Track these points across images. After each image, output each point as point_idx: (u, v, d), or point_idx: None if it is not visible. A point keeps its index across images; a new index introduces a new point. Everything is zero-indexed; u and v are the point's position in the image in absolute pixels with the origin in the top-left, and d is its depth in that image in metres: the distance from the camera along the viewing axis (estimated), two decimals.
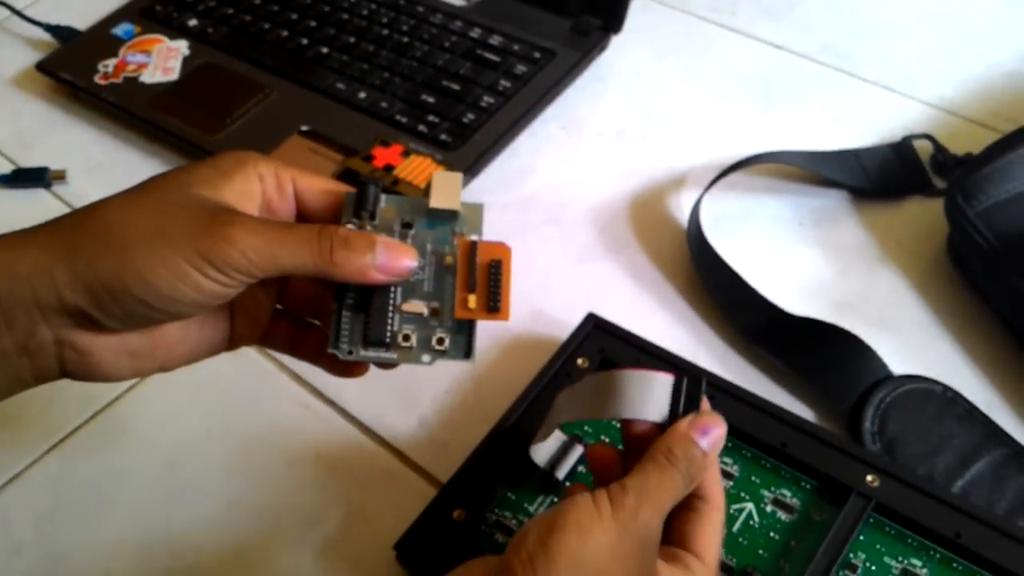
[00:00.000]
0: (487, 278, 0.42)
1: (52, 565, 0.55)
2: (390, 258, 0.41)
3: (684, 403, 0.42)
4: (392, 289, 0.43)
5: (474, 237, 0.44)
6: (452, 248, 0.43)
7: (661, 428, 0.42)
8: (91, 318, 0.39)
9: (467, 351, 0.43)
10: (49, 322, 0.39)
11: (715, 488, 0.43)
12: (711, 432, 0.41)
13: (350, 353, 0.43)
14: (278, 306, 0.48)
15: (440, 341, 0.43)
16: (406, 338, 0.43)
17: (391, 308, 0.43)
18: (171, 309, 0.40)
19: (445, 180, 0.44)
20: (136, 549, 0.55)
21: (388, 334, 0.43)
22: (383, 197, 0.44)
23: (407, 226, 0.44)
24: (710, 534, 0.42)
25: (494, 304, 0.42)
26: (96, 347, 0.41)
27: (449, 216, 0.44)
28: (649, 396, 0.42)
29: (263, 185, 0.43)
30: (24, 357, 0.40)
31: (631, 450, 0.43)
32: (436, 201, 0.43)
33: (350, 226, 0.43)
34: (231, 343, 0.46)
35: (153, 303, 0.39)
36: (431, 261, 0.44)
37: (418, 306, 0.43)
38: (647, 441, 0.42)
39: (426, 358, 0.43)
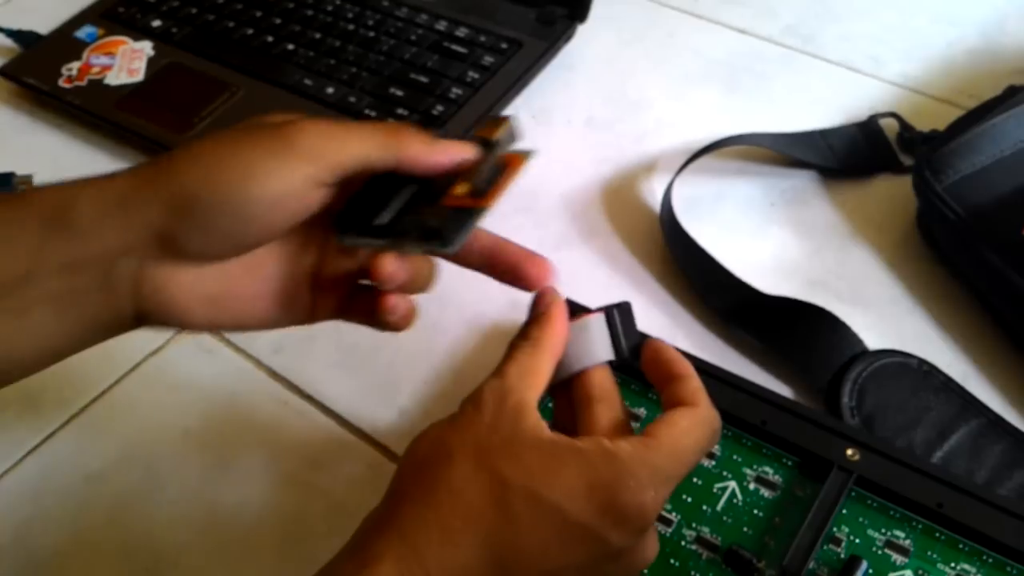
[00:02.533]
0: (486, 171, 0.42)
1: (33, 570, 0.54)
2: (452, 143, 0.42)
3: (623, 332, 0.43)
4: (409, 188, 0.43)
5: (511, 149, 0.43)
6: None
7: (612, 365, 0.43)
8: (172, 238, 0.39)
9: (446, 240, 0.40)
10: (131, 252, 0.39)
11: (699, 396, 0.42)
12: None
13: (347, 238, 0.43)
14: (363, 281, 0.47)
15: (426, 228, 0.41)
16: (400, 226, 0.42)
17: (399, 202, 0.42)
18: (249, 210, 0.39)
19: (495, 120, 0.43)
20: (117, 551, 0.55)
21: (383, 221, 0.42)
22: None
23: None
24: (671, 424, 0.40)
25: (480, 190, 0.41)
26: (173, 283, 0.41)
27: (491, 150, 0.43)
28: (589, 340, 0.43)
29: None
30: (103, 293, 0.40)
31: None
32: (479, 132, 0.43)
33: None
34: (313, 315, 0.46)
35: (231, 202, 0.39)
36: None
37: (429, 209, 0.42)
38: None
39: (409, 246, 0.42)
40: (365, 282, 0.47)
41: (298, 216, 0.41)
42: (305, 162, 0.39)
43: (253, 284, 0.44)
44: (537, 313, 0.43)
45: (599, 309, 0.44)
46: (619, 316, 0.44)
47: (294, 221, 0.41)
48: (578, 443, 0.38)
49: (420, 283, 0.45)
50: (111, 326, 0.42)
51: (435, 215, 0.41)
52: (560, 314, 0.43)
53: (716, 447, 0.53)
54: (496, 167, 0.42)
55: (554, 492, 0.37)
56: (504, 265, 0.44)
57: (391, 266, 0.42)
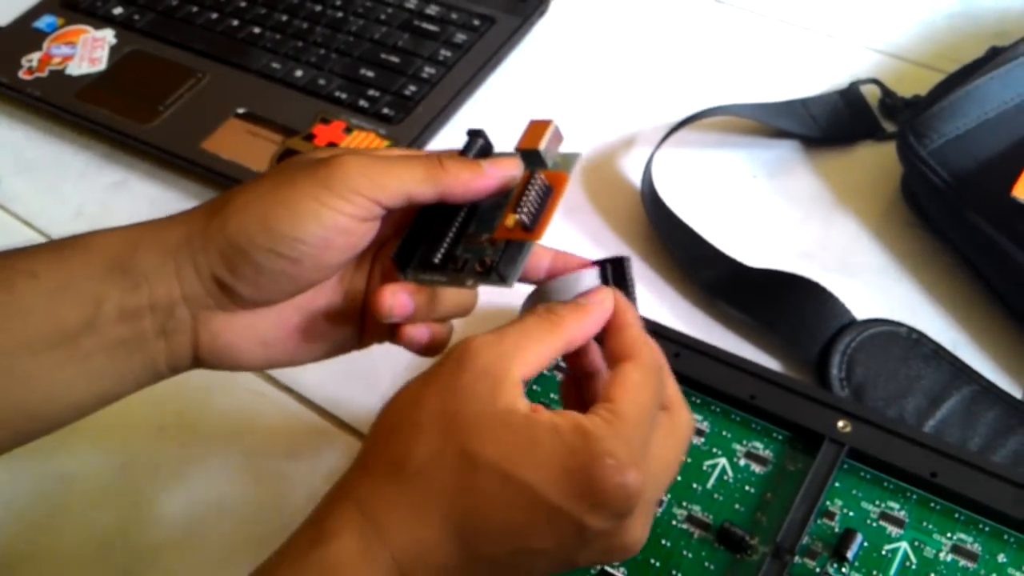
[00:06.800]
0: (533, 201, 0.41)
1: (7, 573, 0.53)
2: (496, 165, 0.42)
3: (615, 288, 0.42)
4: (461, 216, 0.43)
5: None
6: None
7: None
8: (225, 287, 0.40)
9: (503, 276, 0.40)
10: (188, 301, 0.41)
11: (633, 344, 0.40)
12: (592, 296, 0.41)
13: (405, 275, 0.43)
14: None
15: (482, 264, 0.41)
16: (456, 261, 0.42)
17: (452, 234, 0.42)
18: (295, 252, 0.40)
19: (535, 125, 0.43)
20: (93, 553, 0.54)
21: (439, 257, 0.42)
22: (493, 152, 0.44)
23: None
24: (622, 380, 0.38)
25: (530, 223, 0.41)
26: (228, 329, 0.42)
27: (535, 159, 0.43)
28: (578, 294, 0.42)
29: None
30: (161, 340, 0.41)
31: (579, 376, 0.44)
32: (522, 143, 0.43)
33: None
34: (362, 340, 0.46)
35: (278, 248, 0.39)
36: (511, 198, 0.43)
37: (483, 237, 0.42)
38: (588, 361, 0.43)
39: (469, 281, 0.41)
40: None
41: (346, 253, 0.41)
42: (346, 201, 0.39)
43: (305, 322, 0.44)
44: (580, 302, 0.41)
45: (595, 263, 0.43)
46: (612, 272, 0.43)
47: (342, 259, 0.41)
48: (555, 419, 0.36)
49: (458, 310, 0.46)
50: (166, 371, 0.43)
51: (489, 249, 0.41)
52: (600, 316, 0.41)
53: (705, 423, 0.52)
54: (542, 189, 0.42)
55: (526, 473, 0.35)
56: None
57: (389, 300, 0.41)
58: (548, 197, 0.41)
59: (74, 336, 0.39)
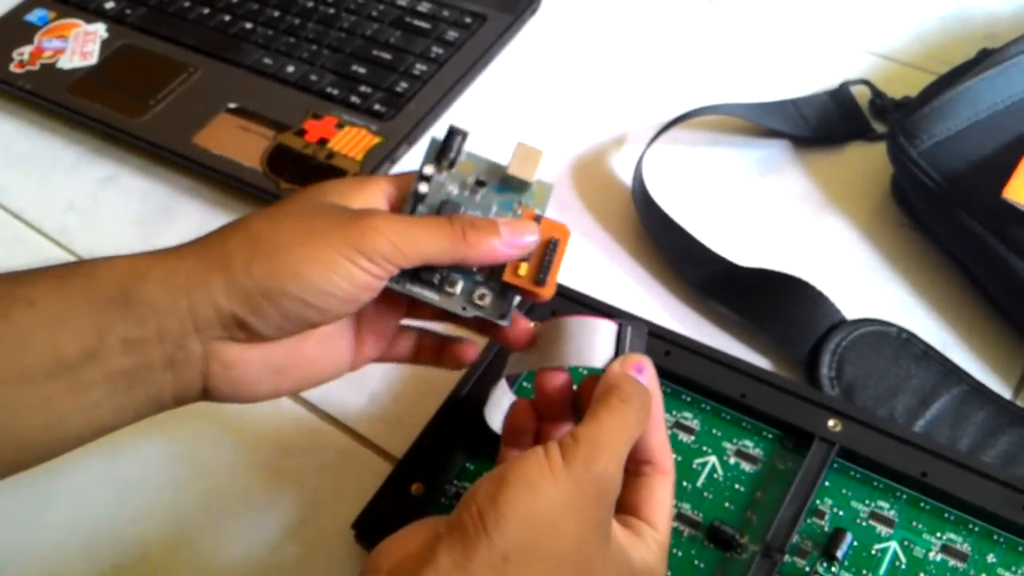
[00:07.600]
0: (542, 253, 0.44)
1: None
2: (513, 235, 0.43)
3: (629, 349, 0.43)
4: None
5: (538, 212, 0.45)
6: (516, 217, 0.45)
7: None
8: (245, 325, 0.40)
9: (503, 313, 0.44)
10: (201, 333, 0.40)
11: (663, 451, 0.42)
12: (644, 370, 0.42)
13: (397, 283, 0.44)
14: (403, 321, 0.49)
15: (482, 297, 0.44)
16: (452, 284, 0.44)
17: None
18: (325, 304, 0.41)
19: (526, 152, 0.44)
20: (81, 547, 0.53)
21: (436, 276, 0.44)
22: (465, 151, 0.45)
23: (480, 184, 0.45)
24: (660, 500, 0.42)
25: (541, 278, 0.43)
26: (242, 360, 0.42)
27: (521, 186, 0.45)
28: (594, 342, 0.43)
29: (386, 197, 0.45)
30: (169, 372, 0.40)
31: (543, 406, 0.45)
32: (514, 169, 0.44)
33: (428, 168, 0.45)
34: (355, 363, 0.47)
35: (309, 299, 0.40)
36: None
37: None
38: (559, 397, 0.44)
39: (465, 308, 0.44)
40: (405, 323, 0.49)
41: (366, 300, 0.42)
42: (374, 264, 0.41)
43: (311, 347, 0.45)
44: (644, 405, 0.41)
45: (619, 320, 0.44)
46: (630, 335, 0.43)
47: (363, 304, 0.43)
48: (632, 556, 0.39)
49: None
50: (171, 402, 0.42)
51: (482, 279, 0.44)
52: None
53: (695, 421, 0.52)
54: (549, 244, 0.44)
55: None
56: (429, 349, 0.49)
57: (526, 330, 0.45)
58: (555, 251, 0.44)
59: (73, 367, 0.38)
